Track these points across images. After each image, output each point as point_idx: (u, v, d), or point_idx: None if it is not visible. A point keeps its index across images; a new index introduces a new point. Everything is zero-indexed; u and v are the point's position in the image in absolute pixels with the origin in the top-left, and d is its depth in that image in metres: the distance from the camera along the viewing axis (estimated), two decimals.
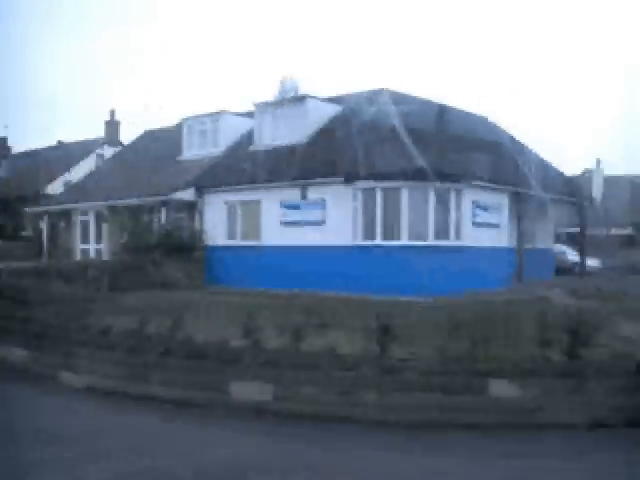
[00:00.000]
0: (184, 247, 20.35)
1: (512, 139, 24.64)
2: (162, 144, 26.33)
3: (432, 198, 16.02)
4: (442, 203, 16.25)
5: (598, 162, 43.93)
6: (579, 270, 24.00)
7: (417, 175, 15.63)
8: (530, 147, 24.61)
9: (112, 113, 34.77)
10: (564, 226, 33.76)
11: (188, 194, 20.80)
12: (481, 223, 17.80)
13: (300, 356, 7.47)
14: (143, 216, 21.49)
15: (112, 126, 34.41)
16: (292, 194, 18.44)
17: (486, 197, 18.16)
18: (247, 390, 7.57)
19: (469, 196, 17.35)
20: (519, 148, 24.13)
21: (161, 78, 70.55)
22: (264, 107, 21.02)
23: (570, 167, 52.39)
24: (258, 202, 19.37)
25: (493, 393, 6.87)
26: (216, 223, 20.53)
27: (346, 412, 7.11)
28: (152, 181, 22.37)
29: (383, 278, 15.92)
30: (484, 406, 6.80)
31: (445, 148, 17.56)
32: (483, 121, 23.65)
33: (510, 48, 75.83)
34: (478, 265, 17.30)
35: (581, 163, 50.89)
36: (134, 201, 21.54)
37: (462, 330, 7.39)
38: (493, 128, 23.75)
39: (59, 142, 38.99)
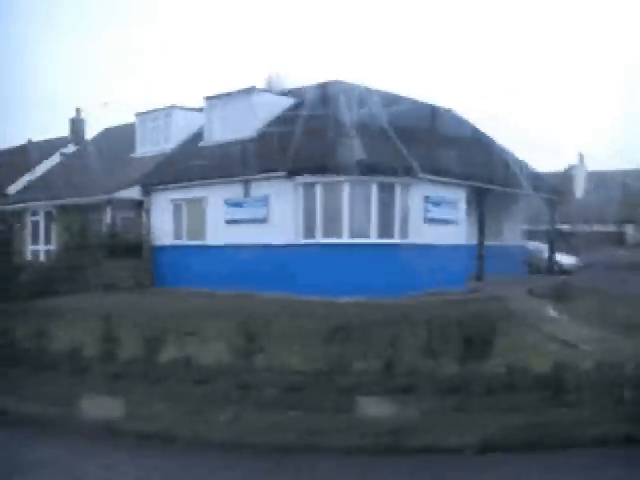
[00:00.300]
0: (131, 247, 19.51)
1: (479, 133, 23.76)
2: (119, 141, 25.47)
3: (375, 193, 15.10)
4: (387, 198, 15.34)
5: (581, 157, 43.05)
6: (548, 268, 23.09)
7: (358, 169, 14.72)
8: (496, 141, 23.77)
9: (77, 111, 33.81)
10: (545, 223, 32.82)
11: (134, 192, 19.93)
12: (434, 219, 16.90)
13: (155, 368, 6.58)
14: (89, 215, 20.61)
15: (77, 124, 33.44)
16: (236, 191, 17.56)
17: (440, 192, 17.26)
18: (97, 406, 6.67)
19: (420, 191, 16.45)
20: (485, 142, 23.25)
21: (153, 77, 69.64)
22: (213, 101, 20.11)
23: (560, 164, 51.41)
24: (203, 200, 18.49)
25: (362, 412, 5.96)
26: (163, 222, 19.66)
27: (200, 432, 6.21)
28: (101, 179, 21.51)
29: (323, 278, 15.05)
30: (352, 427, 5.88)
31: (396, 141, 16.67)
32: (447, 114, 22.73)
33: (495, 44, 74.95)
34: (430, 264, 16.35)
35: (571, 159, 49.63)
36: (79, 200, 20.65)
37: (337, 339, 6.50)
38: (457, 121, 22.86)
39: (29, 141, 38.06)
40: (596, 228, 40.01)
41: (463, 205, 18.12)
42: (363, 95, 18.92)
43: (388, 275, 15.06)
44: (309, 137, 16.84)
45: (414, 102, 20.22)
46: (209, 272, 17.82)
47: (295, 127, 17.93)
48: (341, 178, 14.92)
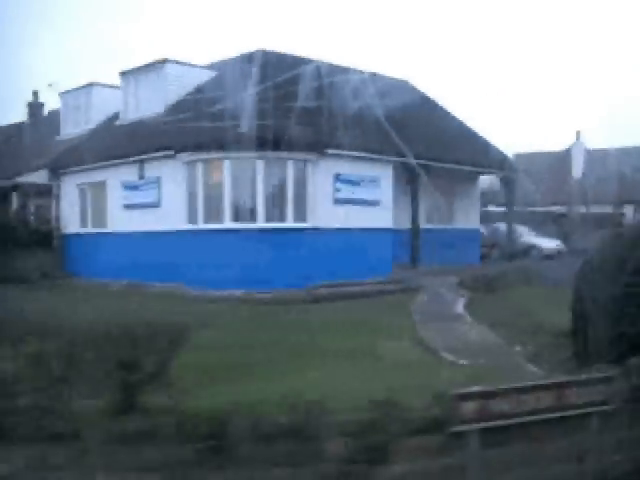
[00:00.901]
0: (41, 236, 18.10)
1: (435, 107, 21.69)
2: (56, 124, 23.99)
3: (261, 171, 13.21)
4: (279, 177, 13.49)
5: (578, 135, 40.27)
6: (508, 253, 20.91)
7: (241, 144, 12.85)
8: (455, 117, 21.64)
9: (35, 94, 32.42)
10: (527, 205, 30.47)
11: (40, 177, 18.40)
12: (348, 200, 14.94)
13: None
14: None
15: (35, 108, 32.06)
16: (133, 173, 15.87)
17: (358, 169, 15.28)
18: None
19: (328, 168, 14.52)
20: (440, 116, 21.15)
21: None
22: (128, 76, 18.39)
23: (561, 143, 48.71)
24: (104, 184, 16.86)
25: None
26: (71, 209, 18.15)
27: None
28: (15, 164, 20.06)
29: (208, 268, 13.31)
30: None
31: (307, 113, 14.71)
32: (398, 86, 20.56)
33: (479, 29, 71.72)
34: (342, 251, 14.54)
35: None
36: None
37: None
38: (407, 94, 20.69)
39: None
40: (594, 209, 37.43)
41: (389, 184, 16.12)
42: (286, 64, 17.05)
43: (282, 264, 13.24)
44: (209, 112, 15.03)
45: (346, 70, 18.16)
46: (111, 262, 16.36)
47: (202, 101, 16.18)
48: (220, 155, 13.09)
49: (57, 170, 18.45)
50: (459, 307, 12.01)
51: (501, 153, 21.16)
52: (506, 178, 20.86)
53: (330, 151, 14.46)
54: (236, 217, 13.21)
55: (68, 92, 21.09)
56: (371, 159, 15.56)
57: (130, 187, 15.87)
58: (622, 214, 37.18)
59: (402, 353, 8.09)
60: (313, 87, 15.90)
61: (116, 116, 19.56)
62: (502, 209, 27.02)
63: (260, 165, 13.13)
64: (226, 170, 13.11)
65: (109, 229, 16.74)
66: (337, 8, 74.65)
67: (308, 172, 13.88)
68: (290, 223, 13.48)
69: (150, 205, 15.19)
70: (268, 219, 13.21)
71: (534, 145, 45.15)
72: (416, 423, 4.22)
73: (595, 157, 39.48)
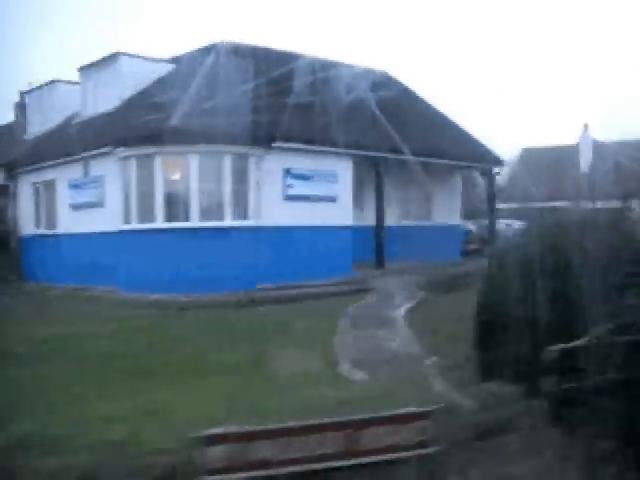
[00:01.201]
0: None
1: (413, 99, 20.66)
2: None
3: (195, 167, 12.36)
4: (216, 173, 12.63)
5: (586, 127, 38.71)
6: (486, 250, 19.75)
7: (172, 138, 12.03)
8: (435, 109, 20.59)
9: (21, 95, 32.01)
10: (539, 200, 29.20)
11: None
12: (300, 196, 14.03)
13: None
14: None
15: (22, 107, 31.65)
16: (79, 171, 15.19)
17: (311, 163, 14.34)
18: None
19: (277, 162, 13.64)
20: (417, 109, 20.11)
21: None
22: (86, 71, 17.71)
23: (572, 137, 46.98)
24: (54, 183, 16.22)
25: None
26: (28, 209, 17.56)
27: None
28: None
29: (144, 270, 12.61)
30: None
31: (251, 105, 13.83)
32: (367, 75, 19.54)
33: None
34: (293, 251, 13.70)
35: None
36: None
37: None
38: (379, 84, 19.68)
39: None
40: (601, 204, 35.90)
41: (348, 179, 15.16)
42: (245, 55, 16.23)
43: (221, 266, 12.38)
44: (154, 106, 14.26)
45: (309, 60, 17.22)
46: (61, 265, 15.77)
47: (154, 96, 15.42)
48: (152, 150, 12.29)
49: (14, 169, 17.88)
50: (401, 311, 11.02)
51: (483, 146, 20.05)
52: (487, 171, 19.73)
53: (279, 144, 13.58)
54: (169, 216, 12.39)
55: (32, 90, 20.56)
56: (328, 152, 14.62)
57: (75, 186, 15.20)
58: (630, 209, 35.67)
59: (294, 366, 7.17)
60: (265, 77, 15.03)
61: (77, 113, 18.97)
62: (504, 205, 25.95)
63: (194, 160, 12.29)
64: (158, 166, 12.31)
65: (59, 230, 16.10)
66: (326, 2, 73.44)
67: (250, 167, 13.00)
68: (228, 222, 12.61)
69: (94, 205, 14.50)
70: (204, 218, 12.37)
71: (543, 140, 43.51)
72: (153, 471, 3.34)
73: (604, 150, 37.94)
